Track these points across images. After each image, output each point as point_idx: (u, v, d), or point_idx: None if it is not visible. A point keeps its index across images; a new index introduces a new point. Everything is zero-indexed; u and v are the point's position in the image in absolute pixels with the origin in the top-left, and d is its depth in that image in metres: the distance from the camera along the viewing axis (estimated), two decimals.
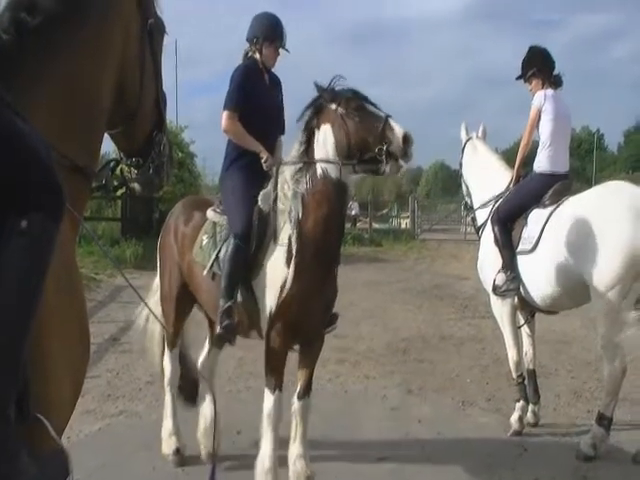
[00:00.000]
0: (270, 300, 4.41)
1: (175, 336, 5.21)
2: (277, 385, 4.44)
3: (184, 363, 5.41)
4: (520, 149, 6.32)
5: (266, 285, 4.45)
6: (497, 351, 8.14)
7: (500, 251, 5.93)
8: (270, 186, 4.62)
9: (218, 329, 4.55)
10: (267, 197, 4.60)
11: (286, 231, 4.44)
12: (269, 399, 4.45)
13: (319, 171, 4.38)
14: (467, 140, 6.88)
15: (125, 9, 2.43)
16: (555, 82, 6.16)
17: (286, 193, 4.48)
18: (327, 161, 4.35)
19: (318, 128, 4.43)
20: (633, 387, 6.81)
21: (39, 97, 2.12)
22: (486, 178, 6.55)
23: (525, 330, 6.34)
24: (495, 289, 5.99)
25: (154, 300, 5.36)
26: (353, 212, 34.35)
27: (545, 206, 5.77)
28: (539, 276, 5.65)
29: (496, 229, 5.97)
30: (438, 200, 41.88)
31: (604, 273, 5.14)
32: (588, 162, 62.68)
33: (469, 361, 8.52)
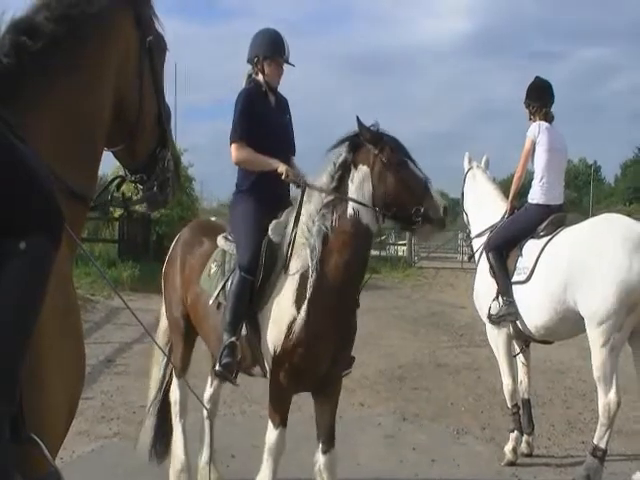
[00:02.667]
0: (275, 338, 4.20)
1: (183, 366, 4.97)
2: (281, 422, 4.26)
3: (163, 413, 5.13)
4: (514, 180, 6.39)
5: (271, 320, 4.24)
6: (492, 380, 8.11)
7: (495, 277, 5.96)
8: (285, 217, 4.43)
9: (217, 366, 4.34)
10: (279, 228, 4.40)
11: (297, 265, 4.24)
12: (272, 433, 4.27)
13: (350, 211, 4.18)
14: (468, 170, 6.92)
15: (123, 29, 2.44)
16: (548, 116, 6.24)
17: (309, 227, 4.24)
18: (363, 204, 4.17)
19: (355, 167, 4.25)
20: (627, 419, 6.80)
21: (38, 121, 2.14)
22: (483, 208, 6.60)
23: (520, 359, 6.35)
24: (490, 317, 6.02)
25: (161, 329, 5.22)
26: None
27: (540, 237, 5.81)
28: (533, 306, 5.65)
29: (490, 256, 6.01)
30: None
31: (598, 305, 5.16)
32: (585, 194, 62.89)
33: (464, 389, 8.50)
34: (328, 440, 4.36)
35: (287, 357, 4.16)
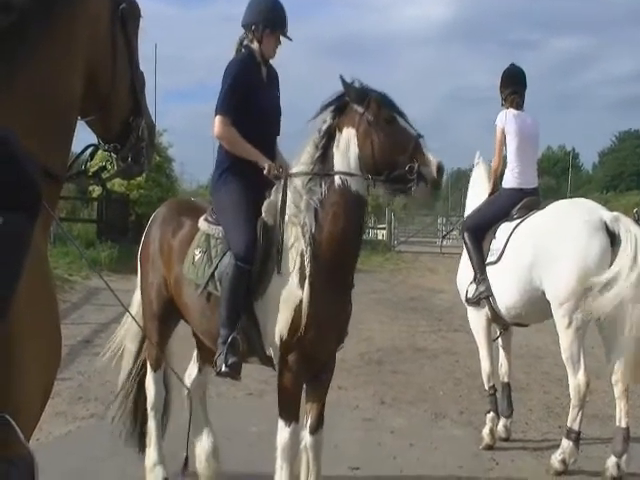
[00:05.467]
0: (281, 326, 3.98)
1: (159, 358, 4.65)
2: (293, 417, 4.01)
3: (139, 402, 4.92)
4: (492, 170, 6.47)
5: (274, 309, 4.01)
6: (471, 364, 8.16)
7: (470, 258, 6.06)
8: (275, 195, 4.18)
9: (222, 367, 4.05)
10: (272, 208, 4.15)
11: (297, 247, 4.02)
12: (284, 432, 4.00)
13: (337, 182, 3.97)
14: (475, 166, 7.00)
15: None
16: (519, 103, 6.30)
17: (298, 204, 4.04)
18: (350, 174, 3.95)
19: (340, 131, 4.01)
20: (603, 404, 6.86)
21: (10, 95, 2.08)
22: (473, 198, 6.69)
23: (500, 343, 6.40)
24: (468, 300, 6.11)
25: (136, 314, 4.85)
26: None
27: (512, 220, 5.92)
28: (503, 288, 5.76)
29: (465, 236, 6.13)
30: (415, 212, 41.92)
31: (560, 287, 5.25)
32: (564, 180, 63.20)
33: (443, 374, 8.54)
34: (318, 421, 4.23)
35: (296, 342, 3.94)
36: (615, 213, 5.44)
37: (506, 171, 6.27)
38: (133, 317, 4.22)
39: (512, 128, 6.19)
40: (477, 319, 6.18)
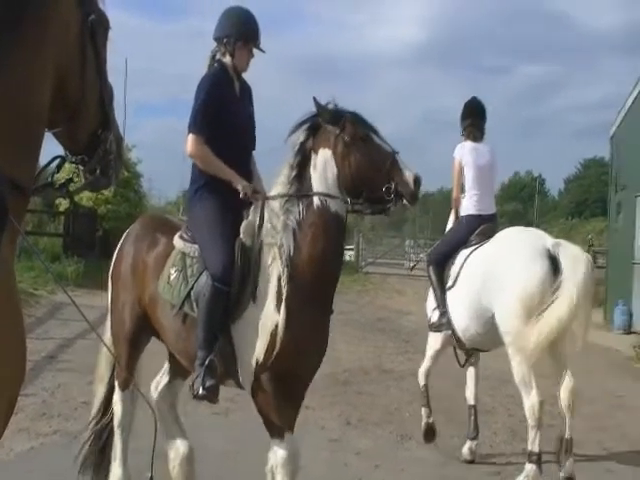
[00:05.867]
0: (257, 350, 3.89)
1: (129, 377, 4.47)
2: (284, 429, 3.89)
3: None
4: (453, 200, 6.80)
5: (250, 332, 3.93)
6: (436, 387, 8.17)
7: (433, 290, 6.34)
8: (252, 216, 4.11)
9: (199, 390, 3.94)
10: (250, 229, 4.07)
11: (274, 269, 3.94)
12: (280, 449, 3.87)
13: (316, 202, 3.93)
14: None
15: (63, 6, 2.32)
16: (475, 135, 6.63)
17: (275, 225, 3.98)
18: (330, 195, 3.93)
19: (315, 152, 3.99)
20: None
21: None
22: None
23: (469, 367, 6.60)
24: (430, 325, 6.40)
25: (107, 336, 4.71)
26: None
27: (469, 246, 6.15)
28: (458, 313, 6.00)
29: (430, 269, 6.39)
30: (383, 234, 42.07)
31: (506, 313, 5.44)
32: (531, 206, 63.98)
33: (409, 395, 8.54)
34: None
35: (271, 366, 3.87)
36: (557, 240, 5.70)
37: (465, 200, 6.54)
38: (98, 334, 4.11)
39: (468, 160, 6.51)
40: (434, 341, 6.43)
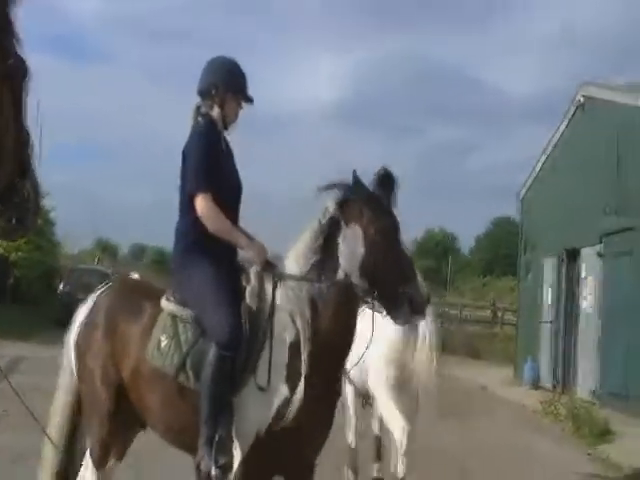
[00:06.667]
0: (261, 420, 3.66)
1: (105, 453, 4.01)
2: None
3: None
4: None
5: (256, 400, 3.66)
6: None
7: None
8: (256, 280, 3.89)
9: (212, 469, 3.60)
10: (255, 293, 3.85)
11: (284, 335, 3.73)
12: None
13: (341, 274, 3.80)
14: None
15: None
16: None
17: (296, 292, 3.80)
18: (350, 284, 3.79)
19: (347, 224, 3.86)
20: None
21: None
22: None
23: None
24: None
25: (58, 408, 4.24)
26: None
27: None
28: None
29: None
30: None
31: (370, 372, 6.16)
32: (445, 262, 65.22)
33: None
34: None
35: (273, 442, 3.66)
36: None
37: None
38: (46, 433, 3.97)
39: None
40: (347, 392, 6.59)
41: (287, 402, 3.64)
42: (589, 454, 9.56)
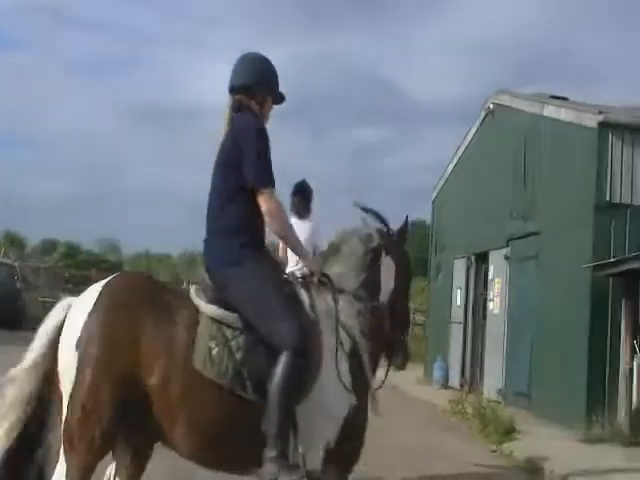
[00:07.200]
0: (330, 433, 3.66)
1: (88, 471, 3.51)
2: None
3: None
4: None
5: (320, 413, 3.61)
6: None
7: None
8: (314, 290, 3.91)
9: None
10: (313, 303, 3.86)
11: (347, 348, 3.80)
12: None
13: (384, 297, 4.11)
14: None
15: None
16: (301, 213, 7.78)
17: (343, 304, 3.89)
18: (385, 306, 4.13)
19: (386, 253, 4.17)
20: None
21: None
22: None
23: None
24: None
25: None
26: None
27: None
28: None
29: None
30: None
31: None
32: None
33: None
34: None
35: (341, 453, 3.70)
36: None
37: (289, 267, 7.44)
38: None
39: None
40: None
41: (355, 410, 3.73)
42: (493, 451, 9.87)
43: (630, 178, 11.73)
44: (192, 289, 3.76)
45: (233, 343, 3.56)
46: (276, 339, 3.53)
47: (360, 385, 3.77)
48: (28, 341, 3.73)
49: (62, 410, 3.51)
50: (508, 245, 14.99)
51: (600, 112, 11.83)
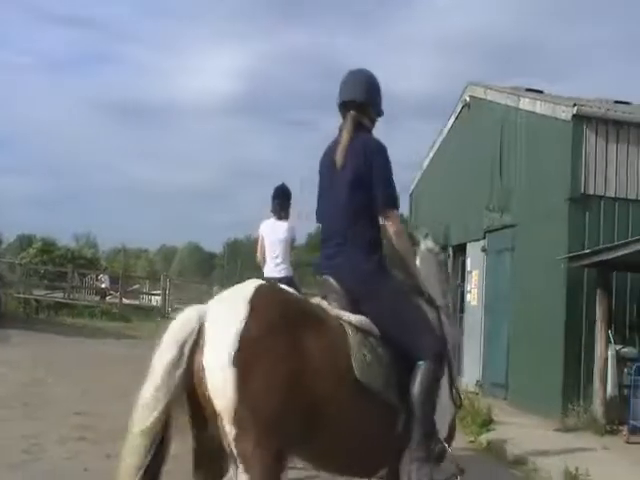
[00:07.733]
0: (444, 429, 4.02)
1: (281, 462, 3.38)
2: None
3: None
4: (259, 262, 8.71)
5: (440, 412, 3.92)
6: None
7: None
8: (426, 304, 4.30)
9: None
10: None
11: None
12: None
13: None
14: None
15: None
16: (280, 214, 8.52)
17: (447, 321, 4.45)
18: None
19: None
20: None
21: None
22: None
23: None
24: None
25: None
26: (103, 285, 33.38)
27: None
28: None
29: None
30: (191, 280, 41.89)
31: None
32: None
33: None
34: None
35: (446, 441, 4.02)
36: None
37: (266, 265, 8.40)
38: None
39: (268, 234, 8.47)
40: None
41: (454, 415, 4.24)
42: (472, 441, 9.96)
43: (604, 170, 11.86)
44: (321, 300, 3.91)
45: (380, 350, 3.73)
46: (417, 348, 3.81)
47: (452, 390, 4.19)
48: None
49: (221, 427, 3.33)
50: (485, 237, 15.10)
51: (575, 104, 11.93)
